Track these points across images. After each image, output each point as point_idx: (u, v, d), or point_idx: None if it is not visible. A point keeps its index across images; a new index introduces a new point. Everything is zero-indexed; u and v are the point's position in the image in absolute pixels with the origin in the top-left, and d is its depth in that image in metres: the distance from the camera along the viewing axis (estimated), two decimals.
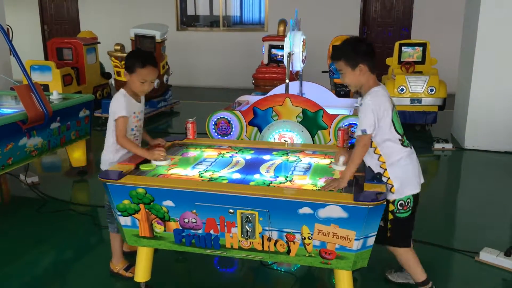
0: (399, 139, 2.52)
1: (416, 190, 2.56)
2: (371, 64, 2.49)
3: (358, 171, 2.61)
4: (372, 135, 2.45)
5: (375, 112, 2.41)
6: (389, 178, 2.49)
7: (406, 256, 2.63)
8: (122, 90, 2.85)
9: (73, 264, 3.26)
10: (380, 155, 2.50)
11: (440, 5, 9.38)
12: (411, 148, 2.59)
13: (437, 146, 5.82)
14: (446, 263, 3.23)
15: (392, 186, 2.49)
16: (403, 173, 2.51)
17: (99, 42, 8.14)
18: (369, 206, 2.13)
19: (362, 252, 2.27)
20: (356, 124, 3.85)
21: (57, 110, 4.27)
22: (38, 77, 6.82)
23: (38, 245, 3.48)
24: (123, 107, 2.76)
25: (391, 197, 2.51)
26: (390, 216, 2.55)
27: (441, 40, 8.59)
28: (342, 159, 2.69)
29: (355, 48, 2.51)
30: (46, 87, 6.56)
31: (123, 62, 7.35)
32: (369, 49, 2.51)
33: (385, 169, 2.49)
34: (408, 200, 2.54)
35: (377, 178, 2.42)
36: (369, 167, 2.54)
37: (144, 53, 2.97)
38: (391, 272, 2.95)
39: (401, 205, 2.53)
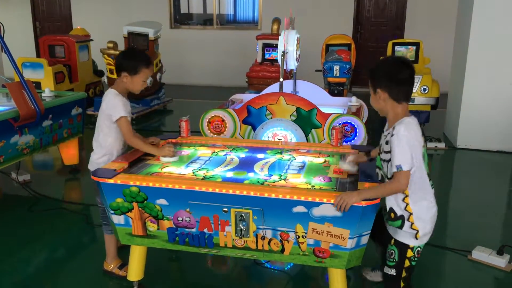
0: (428, 179, 2.26)
1: (430, 236, 2.30)
2: (395, 93, 2.20)
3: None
4: (411, 172, 2.14)
5: (411, 146, 2.13)
6: (413, 223, 2.21)
7: None
8: (113, 90, 2.81)
9: (65, 262, 3.24)
10: (407, 195, 2.21)
11: (433, 5, 9.41)
12: (433, 190, 2.31)
13: (430, 145, 5.85)
14: (439, 262, 3.25)
15: (417, 232, 2.21)
16: (428, 218, 2.24)
17: (91, 40, 8.09)
18: (363, 205, 2.13)
19: (356, 251, 2.27)
20: (350, 123, 3.87)
21: (49, 107, 4.24)
22: (30, 75, 6.75)
23: (30, 244, 3.45)
24: (121, 108, 2.73)
25: (413, 243, 2.24)
26: (407, 263, 2.27)
27: (434, 40, 8.62)
28: (350, 158, 2.59)
29: (379, 70, 2.26)
30: (38, 85, 6.50)
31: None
32: (400, 75, 2.20)
33: (411, 213, 2.21)
34: (423, 248, 2.31)
35: (371, 177, 2.41)
36: (391, 207, 2.26)
37: (144, 53, 2.95)
38: (368, 271, 2.92)
39: (418, 252, 2.28)
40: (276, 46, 6.69)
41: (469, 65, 5.70)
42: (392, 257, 2.30)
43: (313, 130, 4.02)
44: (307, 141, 3.99)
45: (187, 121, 3.29)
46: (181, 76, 10.71)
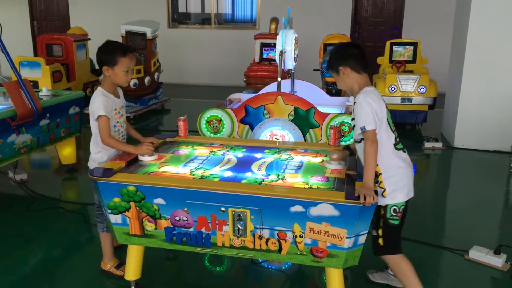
0: (394, 139, 2.47)
1: (409, 196, 2.47)
2: (354, 65, 2.46)
3: (350, 169, 2.63)
4: (376, 130, 2.35)
5: (372, 108, 2.34)
6: (381, 182, 2.41)
7: (401, 265, 2.51)
8: (99, 89, 2.81)
9: (62, 262, 3.23)
10: None
11: (431, 5, 9.43)
12: (405, 152, 2.51)
13: (427, 145, 5.86)
14: (436, 261, 3.25)
15: (384, 190, 2.41)
16: (396, 178, 2.43)
17: (89, 39, 8.07)
18: (361, 204, 2.13)
19: (353, 250, 2.27)
20: (347, 123, 3.87)
21: (46, 107, 4.23)
22: (27, 74, 6.74)
23: (27, 243, 3.45)
24: (101, 106, 2.71)
25: (382, 201, 2.42)
26: (384, 223, 2.47)
27: (432, 40, 8.64)
28: (335, 156, 2.67)
29: (333, 54, 2.56)
30: (35, 84, 6.49)
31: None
32: (349, 50, 2.50)
33: (380, 173, 2.41)
34: (402, 206, 2.46)
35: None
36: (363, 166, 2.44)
37: (119, 43, 2.90)
38: (372, 272, 2.94)
39: (394, 211, 2.45)
40: (274, 45, 6.69)
41: (466, 65, 5.72)
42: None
43: (310, 130, 4.02)
44: (305, 141, 3.99)
45: (185, 120, 3.29)
46: (179, 76, 10.71)
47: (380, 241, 2.50)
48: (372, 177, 2.26)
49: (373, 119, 2.34)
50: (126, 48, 2.80)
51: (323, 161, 2.85)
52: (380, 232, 2.50)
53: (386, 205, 2.45)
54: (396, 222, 2.47)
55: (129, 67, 2.77)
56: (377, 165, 2.36)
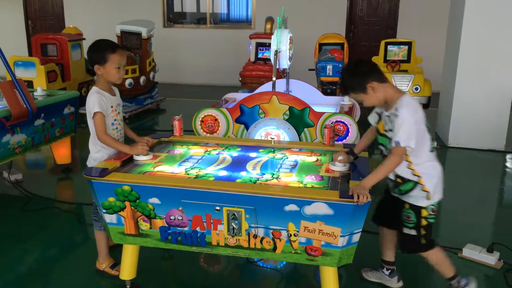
0: (430, 144, 2.51)
1: (442, 194, 2.55)
2: (378, 77, 2.42)
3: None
4: (407, 150, 2.36)
5: (416, 126, 2.34)
6: (423, 185, 2.45)
7: (438, 255, 2.61)
8: (94, 88, 2.81)
9: (58, 262, 3.23)
10: (411, 162, 2.44)
11: (425, 5, 9.47)
12: (435, 152, 2.57)
13: None
14: None
15: (428, 192, 2.46)
16: (435, 179, 2.49)
17: (84, 38, 8.05)
18: (354, 203, 2.15)
19: (347, 249, 2.29)
20: (342, 122, 3.89)
21: (41, 106, 4.22)
22: (22, 73, 6.72)
23: (22, 243, 3.44)
24: (95, 104, 2.72)
25: (426, 203, 2.49)
26: (424, 222, 2.51)
27: (426, 39, 8.67)
28: (340, 158, 2.65)
29: (350, 76, 2.47)
30: (30, 84, 6.47)
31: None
32: (366, 66, 2.46)
33: (419, 176, 2.44)
34: (437, 205, 2.54)
35: (363, 175, 2.43)
36: (397, 174, 2.47)
37: (107, 40, 2.86)
38: (366, 270, 2.96)
39: (432, 210, 2.52)
40: (269, 45, 6.70)
41: (460, 65, 5.75)
42: (409, 219, 2.53)
43: (305, 129, 4.03)
44: (300, 140, 4.01)
45: (180, 120, 3.29)
46: (175, 75, 10.70)
47: (423, 240, 2.54)
48: (373, 182, 2.29)
49: (410, 136, 2.32)
50: (115, 45, 2.80)
51: (317, 160, 2.86)
52: (422, 231, 2.53)
53: (427, 206, 2.50)
54: (433, 220, 2.55)
55: (120, 63, 2.76)
56: (414, 169, 2.43)
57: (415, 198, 2.48)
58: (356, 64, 2.50)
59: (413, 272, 3.02)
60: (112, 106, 2.83)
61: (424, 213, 2.50)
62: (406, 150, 2.35)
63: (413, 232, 2.54)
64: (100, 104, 2.73)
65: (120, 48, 2.81)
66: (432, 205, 2.51)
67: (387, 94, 2.43)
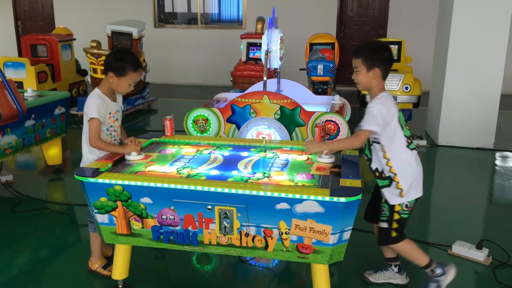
0: (407, 141, 2.58)
1: (419, 194, 2.62)
2: (385, 72, 2.56)
3: (335, 167, 2.67)
4: (369, 133, 2.50)
5: (382, 115, 2.47)
6: (398, 183, 2.54)
7: (407, 246, 2.68)
8: (97, 90, 2.81)
9: (49, 263, 3.22)
10: (389, 159, 2.54)
11: (415, 4, 9.54)
12: (417, 150, 2.65)
13: None
14: None
15: (402, 190, 2.55)
16: (411, 178, 2.57)
17: (74, 39, 8.02)
18: (345, 201, 2.17)
19: (338, 246, 2.31)
20: (333, 121, 3.91)
21: (31, 107, 4.21)
22: (12, 74, 6.67)
23: (13, 245, 3.43)
24: (94, 109, 2.72)
25: (400, 201, 2.58)
26: (397, 216, 2.61)
27: (416, 39, 8.74)
28: (326, 151, 2.75)
29: (376, 51, 2.57)
30: (20, 84, 6.43)
31: (100, 60, 7.18)
32: (389, 57, 2.58)
33: (395, 174, 2.54)
34: (413, 202, 2.61)
35: (353, 173, 2.46)
36: (376, 167, 2.61)
37: (134, 56, 2.88)
38: (371, 274, 2.93)
39: (406, 206, 2.60)
40: (261, 45, 6.72)
41: (449, 64, 5.81)
42: (383, 212, 2.64)
43: (296, 128, 4.05)
44: (291, 139, 4.03)
45: (171, 120, 3.29)
46: (166, 75, 10.68)
47: (393, 233, 2.64)
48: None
49: (374, 122, 2.46)
50: (138, 64, 2.81)
51: (308, 159, 2.88)
52: (394, 225, 2.62)
53: (401, 203, 2.59)
54: (406, 216, 2.63)
55: (135, 81, 2.82)
56: (392, 166, 2.54)
57: (389, 195, 2.58)
58: (387, 48, 2.61)
59: (415, 268, 3.05)
60: (110, 113, 2.83)
61: (397, 208, 2.59)
62: (369, 132, 2.50)
63: (385, 225, 2.64)
64: (99, 110, 2.73)
65: (141, 67, 2.84)
66: (408, 202, 2.58)
67: (375, 87, 2.58)
